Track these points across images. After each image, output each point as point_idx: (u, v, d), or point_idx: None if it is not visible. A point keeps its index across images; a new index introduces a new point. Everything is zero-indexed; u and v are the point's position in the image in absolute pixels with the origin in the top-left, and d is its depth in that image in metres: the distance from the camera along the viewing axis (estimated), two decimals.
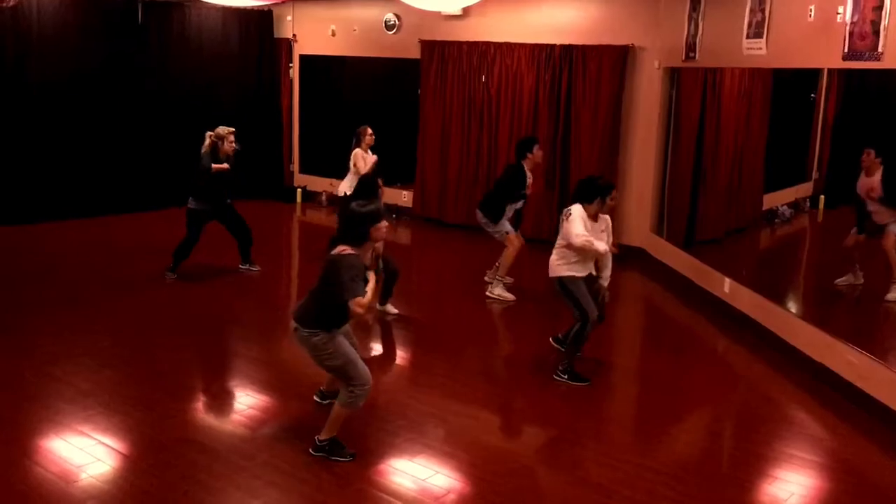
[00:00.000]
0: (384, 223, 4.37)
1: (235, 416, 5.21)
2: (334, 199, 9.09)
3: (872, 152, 6.46)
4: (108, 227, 10.18)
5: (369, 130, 8.82)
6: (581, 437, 5.07)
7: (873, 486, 4.66)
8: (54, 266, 8.44)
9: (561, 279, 5.77)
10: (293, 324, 4.51)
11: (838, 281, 6.63)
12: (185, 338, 6.51)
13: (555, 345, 6.34)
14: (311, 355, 4.53)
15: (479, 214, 7.87)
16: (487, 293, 7.78)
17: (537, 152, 7.71)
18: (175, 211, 8.33)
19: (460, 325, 7.22)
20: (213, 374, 5.94)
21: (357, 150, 8.76)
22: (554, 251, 5.85)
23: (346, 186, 8.69)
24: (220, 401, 5.51)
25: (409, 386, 5.84)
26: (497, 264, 7.95)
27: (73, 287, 7.66)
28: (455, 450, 4.81)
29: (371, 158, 8.77)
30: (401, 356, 6.64)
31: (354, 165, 8.70)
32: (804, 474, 4.73)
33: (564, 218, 5.72)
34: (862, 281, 6.64)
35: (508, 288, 7.76)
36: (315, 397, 5.22)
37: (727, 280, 7.41)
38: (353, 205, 4.40)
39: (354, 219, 4.33)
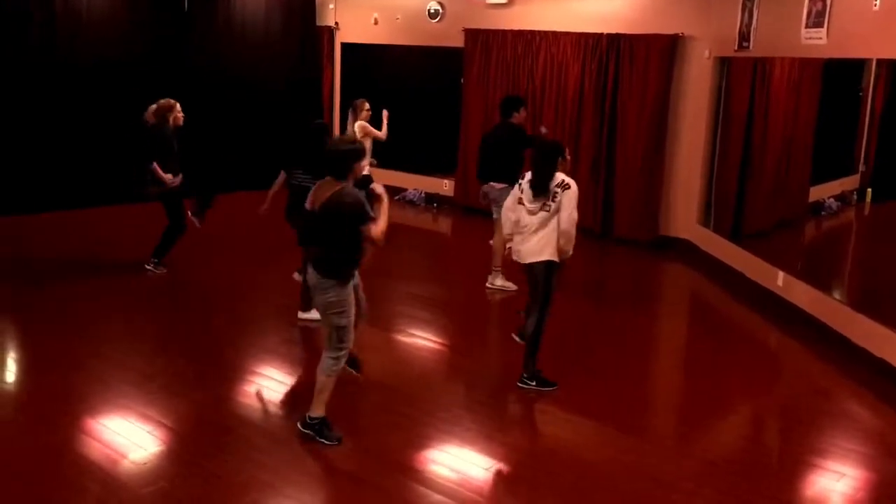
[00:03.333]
0: (364, 161, 4.59)
1: (284, 398, 5.24)
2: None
3: None
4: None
5: (366, 105, 8.56)
6: (635, 430, 5.04)
7: None
8: (105, 250, 8.55)
9: (551, 262, 5.33)
10: (314, 277, 4.53)
11: None
12: (225, 319, 6.56)
13: (520, 341, 5.72)
14: (320, 307, 4.58)
15: (489, 187, 7.42)
16: (488, 284, 7.61)
17: (522, 112, 7.61)
18: (223, 197, 8.32)
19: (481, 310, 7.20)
20: (258, 355, 5.97)
21: (360, 123, 8.45)
22: (538, 235, 5.28)
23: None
24: (270, 382, 5.54)
25: (443, 372, 5.84)
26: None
27: (117, 272, 7.74)
28: (504, 442, 4.81)
29: (381, 133, 8.55)
30: (437, 341, 6.62)
31: (366, 135, 8.38)
32: (862, 468, 4.67)
33: (559, 189, 5.19)
34: None
35: (507, 275, 7.52)
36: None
37: (781, 273, 7.31)
38: (334, 141, 4.74)
39: (337, 155, 4.48)
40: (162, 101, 7.60)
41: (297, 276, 6.91)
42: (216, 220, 8.44)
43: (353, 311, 4.60)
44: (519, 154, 7.34)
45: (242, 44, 11.64)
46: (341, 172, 4.44)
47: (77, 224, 9.60)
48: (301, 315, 6.57)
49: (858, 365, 5.98)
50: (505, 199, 7.18)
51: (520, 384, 5.44)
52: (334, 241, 4.47)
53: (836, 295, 6.90)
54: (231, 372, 5.62)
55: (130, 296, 7.17)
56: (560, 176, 5.27)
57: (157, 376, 5.42)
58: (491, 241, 7.76)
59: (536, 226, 5.29)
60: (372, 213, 4.41)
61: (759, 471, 4.57)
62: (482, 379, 5.69)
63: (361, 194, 4.45)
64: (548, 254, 5.29)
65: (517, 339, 5.78)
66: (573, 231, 5.23)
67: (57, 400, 5.02)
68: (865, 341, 6.01)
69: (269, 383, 5.47)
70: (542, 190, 5.25)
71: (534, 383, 5.40)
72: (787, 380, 6.21)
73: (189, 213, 7.74)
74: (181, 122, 7.67)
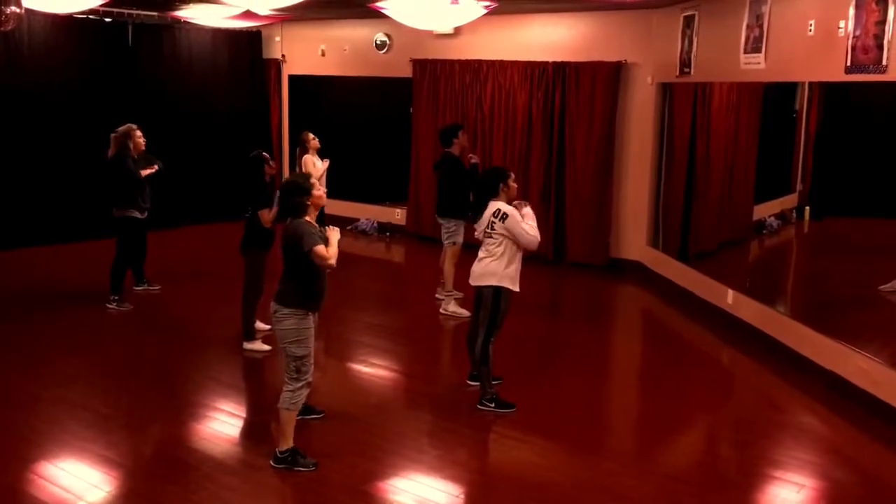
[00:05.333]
0: (318, 191, 4.65)
1: (244, 431, 5.17)
2: None
3: None
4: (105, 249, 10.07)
5: (311, 136, 8.85)
6: (596, 449, 5.10)
7: (889, 486, 4.74)
8: (58, 288, 8.36)
9: (500, 288, 5.38)
10: (273, 306, 4.61)
11: (882, 287, 6.70)
12: (181, 354, 6.47)
13: (475, 384, 5.70)
14: (281, 338, 4.60)
15: (441, 220, 7.75)
16: (441, 310, 7.70)
17: (462, 136, 7.78)
18: (167, 233, 8.25)
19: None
20: (217, 389, 5.89)
21: (306, 157, 8.74)
22: (490, 258, 5.36)
23: None
24: (228, 416, 5.47)
25: (400, 402, 5.85)
26: (441, 279, 7.92)
27: (75, 307, 7.58)
28: (470, 467, 4.82)
29: (322, 166, 8.77)
30: (394, 369, 6.62)
31: (306, 170, 8.58)
32: (820, 478, 4.79)
33: (496, 219, 5.28)
34: None
35: (461, 303, 7.60)
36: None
37: (730, 291, 7.49)
38: (286, 180, 4.88)
39: (282, 194, 4.68)
40: (121, 127, 7.52)
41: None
42: (171, 254, 8.35)
43: (312, 342, 4.61)
44: (460, 188, 7.48)
45: (189, 78, 11.57)
46: (294, 211, 4.58)
47: (30, 262, 9.42)
48: (246, 346, 6.54)
49: (809, 377, 6.14)
50: (455, 232, 7.50)
51: (479, 406, 5.47)
52: (288, 271, 4.60)
53: (784, 310, 7.10)
54: (190, 408, 5.53)
55: (86, 333, 7.03)
56: (495, 205, 5.35)
57: (114, 416, 5.32)
58: (437, 296, 7.99)
59: (484, 249, 5.45)
60: (320, 240, 4.49)
61: (720, 484, 4.67)
62: (445, 405, 5.69)
63: (311, 227, 4.54)
64: (493, 280, 5.36)
65: (471, 383, 5.83)
66: (534, 245, 5.36)
67: (9, 439, 4.89)
68: (814, 354, 6.18)
69: (228, 417, 5.41)
70: (475, 219, 5.46)
71: (493, 405, 5.43)
72: (742, 394, 6.35)
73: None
74: (143, 146, 7.62)
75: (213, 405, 5.57)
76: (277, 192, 5.24)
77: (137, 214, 7.62)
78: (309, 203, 4.59)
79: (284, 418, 4.60)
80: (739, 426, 5.58)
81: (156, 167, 7.72)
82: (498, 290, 5.39)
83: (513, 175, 5.58)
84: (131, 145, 7.52)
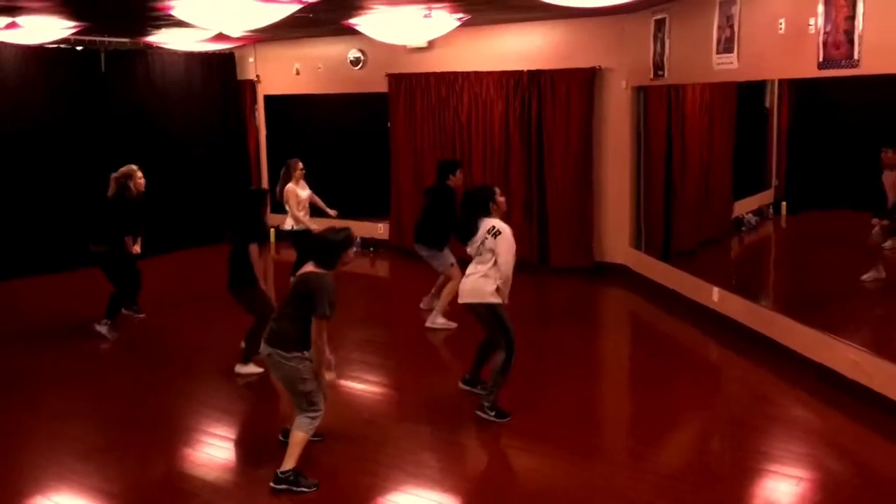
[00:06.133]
0: (353, 250, 4.61)
1: (241, 456, 5.15)
2: (283, 234, 9.11)
3: (891, 151, 6.71)
4: (88, 279, 9.99)
5: (300, 164, 8.76)
6: (593, 452, 5.14)
7: (883, 475, 4.81)
8: (40, 320, 8.28)
9: (493, 305, 5.39)
10: (267, 349, 4.58)
11: (864, 277, 6.79)
12: (175, 381, 6.44)
13: (466, 388, 5.93)
14: (285, 380, 4.60)
15: (420, 247, 7.74)
16: (428, 323, 7.63)
17: (459, 174, 7.76)
18: (146, 261, 8.22)
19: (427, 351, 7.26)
20: (212, 415, 5.86)
21: (289, 186, 8.67)
22: (478, 274, 5.39)
23: (290, 221, 8.74)
24: (229, 442, 5.44)
25: (393, 412, 5.85)
26: (433, 291, 7.92)
27: (60, 339, 7.52)
28: (472, 478, 4.83)
29: (305, 195, 8.76)
30: (379, 383, 6.62)
31: (287, 203, 8.62)
32: (817, 470, 4.85)
33: (490, 235, 5.33)
34: (884, 275, 6.83)
35: (447, 314, 7.59)
36: (280, 437, 5.11)
37: (715, 289, 7.56)
38: (325, 231, 4.70)
39: (326, 245, 4.55)
40: (123, 168, 7.59)
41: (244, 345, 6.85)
42: (153, 281, 8.30)
43: (314, 373, 4.58)
44: (445, 221, 7.49)
45: (164, 103, 11.51)
46: (329, 262, 4.52)
47: (7, 295, 9.30)
48: (239, 369, 6.48)
49: (799, 370, 6.21)
50: (441, 257, 7.48)
51: (478, 412, 5.45)
52: (291, 314, 4.53)
53: (770, 305, 7.17)
54: (185, 435, 5.50)
55: (77, 364, 6.96)
56: (490, 222, 5.38)
57: (111, 447, 5.28)
58: (421, 305, 8.01)
59: (473, 266, 5.45)
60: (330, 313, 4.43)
61: (718, 480, 4.71)
62: (440, 417, 5.70)
63: (332, 283, 4.48)
64: (487, 297, 5.34)
65: (463, 386, 5.93)
66: (510, 274, 5.33)
67: (5, 473, 4.85)
68: (803, 347, 6.25)
69: (223, 442, 5.39)
70: (467, 238, 5.44)
71: (493, 413, 5.42)
72: (733, 390, 6.40)
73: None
74: (143, 186, 7.65)
75: (207, 431, 5.54)
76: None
77: (131, 247, 7.67)
78: (345, 257, 4.56)
79: (298, 439, 4.55)
80: (734, 421, 5.63)
81: (137, 245, 7.72)
82: (491, 307, 5.39)
83: (498, 190, 5.59)
84: (131, 185, 7.58)
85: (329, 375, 4.73)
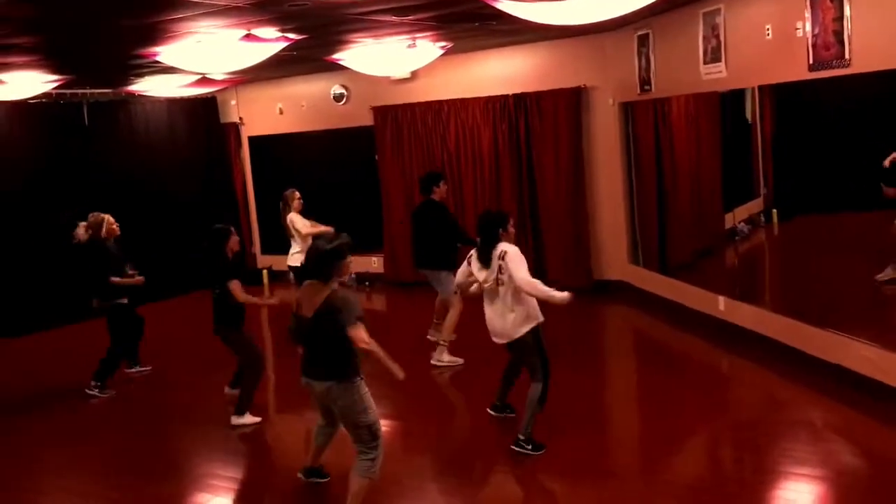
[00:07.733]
0: (350, 258, 4.32)
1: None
2: (294, 270, 8.86)
3: None
4: (91, 331, 9.85)
5: (297, 194, 8.60)
6: (615, 473, 5.06)
7: None
8: (30, 378, 8.12)
9: (529, 332, 5.27)
10: (321, 385, 4.30)
11: (878, 276, 6.75)
12: (172, 431, 6.30)
13: (496, 414, 5.87)
14: (346, 414, 4.31)
15: (425, 271, 7.57)
16: (433, 361, 7.37)
17: (443, 186, 7.64)
18: (141, 309, 8.08)
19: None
20: (220, 462, 5.73)
21: (291, 215, 8.52)
22: (498, 315, 5.28)
23: (297, 257, 8.35)
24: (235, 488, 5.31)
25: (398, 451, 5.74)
26: (434, 321, 7.74)
27: (54, 398, 7.36)
28: None
29: (309, 223, 8.55)
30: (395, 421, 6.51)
31: (296, 230, 8.44)
32: (837, 470, 4.81)
33: (501, 261, 5.23)
34: None
35: (452, 347, 7.43)
36: (300, 475, 5.01)
37: (721, 298, 7.53)
38: (320, 242, 4.35)
39: (318, 256, 4.28)
40: (90, 217, 7.43)
41: (227, 390, 6.74)
42: (153, 330, 8.18)
43: (372, 402, 4.34)
44: (448, 237, 7.40)
45: (148, 150, 11.46)
46: (325, 274, 4.25)
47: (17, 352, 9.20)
48: (235, 421, 6.26)
49: (813, 373, 6.16)
50: (446, 281, 7.28)
51: (514, 447, 5.30)
52: (326, 344, 4.26)
53: (778, 310, 7.13)
54: (192, 484, 5.36)
55: (76, 422, 6.80)
56: (501, 246, 5.33)
57: (121, 500, 5.13)
58: (429, 336, 7.80)
59: (500, 303, 5.29)
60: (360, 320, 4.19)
61: (745, 488, 4.63)
62: (450, 450, 5.62)
63: (352, 294, 4.31)
64: (523, 329, 5.25)
65: (494, 413, 5.87)
66: (535, 290, 5.20)
67: None
68: (816, 349, 6.21)
69: (228, 492, 5.27)
70: (484, 261, 5.33)
71: (530, 447, 5.27)
72: (748, 396, 6.34)
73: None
74: (117, 232, 7.50)
75: (215, 476, 5.41)
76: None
77: (121, 300, 7.41)
78: (342, 267, 4.28)
79: (359, 486, 4.28)
80: (752, 427, 5.56)
81: (136, 278, 7.50)
82: (529, 334, 5.30)
83: (512, 220, 5.50)
84: (103, 231, 7.39)
85: (398, 372, 4.24)
